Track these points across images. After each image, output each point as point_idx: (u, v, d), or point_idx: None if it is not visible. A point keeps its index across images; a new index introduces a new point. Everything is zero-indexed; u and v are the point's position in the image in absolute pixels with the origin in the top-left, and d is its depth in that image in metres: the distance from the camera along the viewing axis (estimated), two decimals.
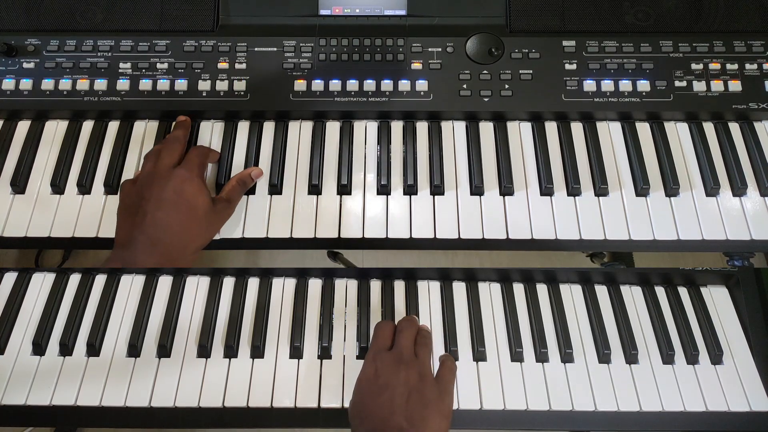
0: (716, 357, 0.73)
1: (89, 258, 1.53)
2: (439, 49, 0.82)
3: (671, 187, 0.77)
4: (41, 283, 0.75)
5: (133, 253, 0.64)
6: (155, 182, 0.69)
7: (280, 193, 0.78)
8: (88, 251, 1.53)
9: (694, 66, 0.81)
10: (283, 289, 0.76)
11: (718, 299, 0.78)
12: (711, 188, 0.77)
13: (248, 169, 0.77)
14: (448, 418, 0.62)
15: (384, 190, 0.78)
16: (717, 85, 0.80)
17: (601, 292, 0.78)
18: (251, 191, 0.78)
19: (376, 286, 0.77)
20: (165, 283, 0.75)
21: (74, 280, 0.75)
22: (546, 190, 0.77)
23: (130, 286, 0.75)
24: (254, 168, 0.77)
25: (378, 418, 0.59)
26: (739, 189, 0.77)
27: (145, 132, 0.82)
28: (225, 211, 0.72)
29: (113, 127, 0.82)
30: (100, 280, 0.75)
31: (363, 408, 0.62)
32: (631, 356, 0.73)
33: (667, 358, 0.73)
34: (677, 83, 0.81)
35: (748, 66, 0.81)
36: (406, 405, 0.59)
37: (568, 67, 0.81)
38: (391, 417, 0.59)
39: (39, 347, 0.70)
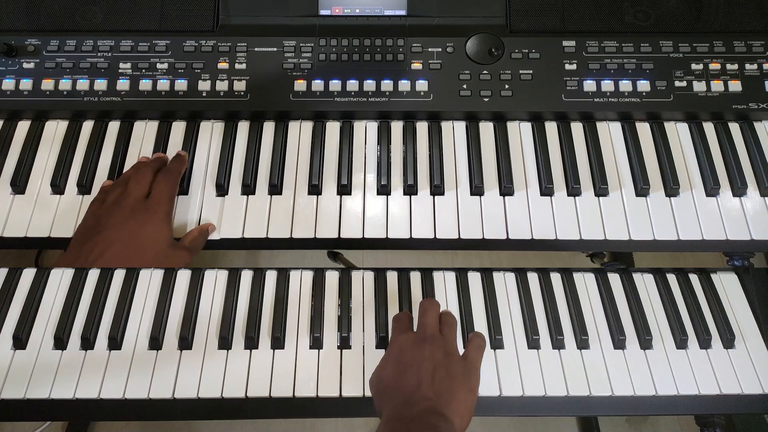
0: (728, 341, 0.74)
1: None
2: (439, 49, 0.82)
3: (671, 187, 0.77)
4: (60, 280, 0.76)
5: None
6: (116, 214, 0.70)
7: (280, 193, 0.78)
8: None
9: (694, 66, 0.81)
10: (300, 281, 0.77)
11: (728, 285, 0.80)
12: (711, 188, 0.77)
13: (206, 224, 0.76)
14: (475, 392, 0.62)
15: (384, 190, 0.78)
16: (717, 85, 0.80)
17: (614, 279, 0.79)
18: (251, 192, 0.78)
19: (392, 277, 0.78)
20: (183, 277, 0.76)
21: (93, 275, 0.76)
22: (546, 190, 0.77)
23: (149, 280, 0.76)
24: (210, 224, 0.76)
25: (405, 393, 0.60)
26: (739, 189, 0.77)
27: (145, 132, 0.82)
28: (182, 258, 0.72)
29: (113, 127, 0.82)
30: (119, 276, 0.76)
31: (389, 384, 0.62)
32: (645, 342, 0.73)
33: (681, 343, 0.74)
34: (677, 83, 0.81)
35: (748, 66, 0.81)
36: (432, 379, 0.60)
37: (568, 67, 0.81)
38: (417, 390, 0.59)
39: (61, 342, 0.71)
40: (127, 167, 0.79)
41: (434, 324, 0.67)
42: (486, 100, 0.80)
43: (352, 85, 0.80)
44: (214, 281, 0.76)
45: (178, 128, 0.82)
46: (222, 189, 0.78)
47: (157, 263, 0.71)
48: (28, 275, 0.76)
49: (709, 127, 0.82)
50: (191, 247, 0.73)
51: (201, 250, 0.74)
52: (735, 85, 0.80)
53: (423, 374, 0.61)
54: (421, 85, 0.80)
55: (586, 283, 0.78)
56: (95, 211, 0.73)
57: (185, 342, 0.71)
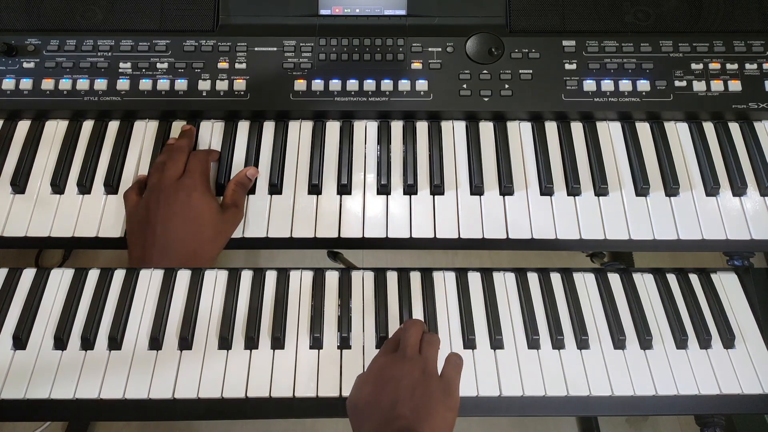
0: (728, 341, 0.74)
1: (89, 258, 1.53)
2: (439, 49, 0.82)
3: (671, 187, 0.77)
4: (60, 280, 0.76)
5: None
6: (162, 196, 0.70)
7: (280, 193, 0.78)
8: (88, 251, 1.53)
9: (694, 66, 0.81)
10: (300, 281, 0.77)
11: (728, 285, 0.80)
12: (711, 188, 0.77)
13: (243, 170, 0.77)
14: (454, 411, 0.62)
15: (384, 189, 0.78)
16: (717, 85, 0.80)
17: (614, 279, 0.79)
18: (251, 191, 0.78)
19: (392, 277, 0.78)
20: (183, 277, 0.76)
21: (93, 276, 0.76)
22: (546, 189, 0.77)
23: (149, 280, 0.76)
24: (249, 168, 0.77)
25: (382, 411, 0.60)
26: (739, 189, 0.77)
27: (145, 132, 0.82)
28: (235, 216, 0.73)
29: (113, 127, 0.82)
30: (119, 276, 0.76)
31: (367, 402, 0.62)
32: (645, 342, 0.74)
33: (681, 343, 0.74)
34: (677, 83, 0.81)
35: (748, 66, 0.81)
36: (410, 397, 0.60)
37: (568, 67, 0.81)
38: (394, 408, 0.59)
39: (61, 342, 0.71)
40: (127, 167, 0.79)
41: (414, 343, 0.67)
42: (486, 99, 0.80)
43: (352, 84, 0.80)
44: (214, 281, 0.77)
45: (179, 128, 0.82)
46: (222, 188, 0.77)
47: (216, 232, 0.71)
48: (28, 275, 0.76)
49: (709, 127, 0.82)
50: (234, 203, 0.74)
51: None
52: (735, 85, 0.80)
53: (401, 392, 0.61)
54: (421, 84, 0.80)
55: (586, 283, 0.79)
56: (137, 204, 0.73)
57: (185, 342, 0.71)
